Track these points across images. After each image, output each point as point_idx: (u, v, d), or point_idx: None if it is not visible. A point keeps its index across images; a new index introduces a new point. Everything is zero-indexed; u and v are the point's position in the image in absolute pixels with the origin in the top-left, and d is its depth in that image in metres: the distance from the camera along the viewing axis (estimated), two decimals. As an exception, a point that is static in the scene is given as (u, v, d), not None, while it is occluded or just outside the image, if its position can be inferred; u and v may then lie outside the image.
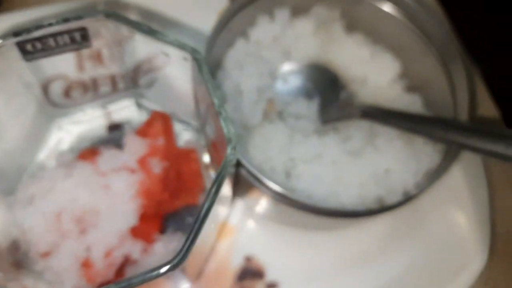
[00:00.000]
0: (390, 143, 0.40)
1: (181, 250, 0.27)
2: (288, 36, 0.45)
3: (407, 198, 0.36)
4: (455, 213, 0.41)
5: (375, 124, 0.41)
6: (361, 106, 0.42)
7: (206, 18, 0.45)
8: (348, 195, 0.38)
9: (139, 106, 0.42)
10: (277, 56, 0.45)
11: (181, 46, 0.31)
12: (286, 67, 0.45)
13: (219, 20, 0.41)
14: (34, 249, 0.35)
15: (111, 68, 0.39)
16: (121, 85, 0.41)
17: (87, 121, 0.42)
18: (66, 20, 0.31)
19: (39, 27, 0.31)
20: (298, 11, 0.45)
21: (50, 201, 0.35)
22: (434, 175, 0.36)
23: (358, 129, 0.42)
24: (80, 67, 0.38)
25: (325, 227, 0.41)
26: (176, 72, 0.37)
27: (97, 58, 0.38)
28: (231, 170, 0.29)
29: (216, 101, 0.29)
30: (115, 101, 0.42)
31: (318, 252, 0.41)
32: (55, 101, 0.40)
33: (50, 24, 0.31)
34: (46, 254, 0.35)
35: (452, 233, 0.40)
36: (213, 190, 0.29)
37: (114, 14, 0.32)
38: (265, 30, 0.45)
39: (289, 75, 0.45)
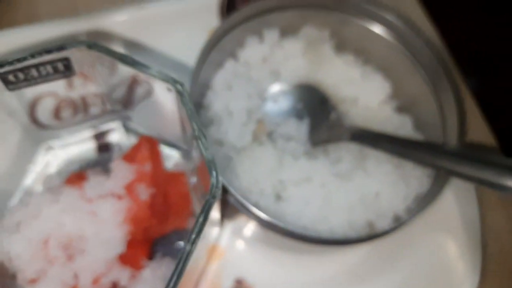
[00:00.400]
0: (380, 166, 0.40)
1: (169, 283, 0.27)
2: (277, 57, 0.45)
3: (398, 224, 0.36)
4: (446, 237, 0.41)
5: (364, 147, 0.40)
6: (351, 128, 0.42)
7: (196, 37, 0.45)
8: (338, 219, 0.38)
9: (127, 129, 0.42)
10: (266, 77, 0.45)
11: (163, 78, 0.31)
12: (276, 87, 0.45)
13: (208, 40, 0.41)
14: (21, 276, 0.34)
15: (99, 86, 0.39)
16: (109, 106, 0.41)
17: (75, 144, 0.42)
18: (48, 51, 0.31)
19: (21, 59, 0.30)
20: (287, 31, 0.45)
21: (36, 228, 0.35)
22: (426, 201, 0.36)
23: (348, 151, 0.41)
24: (70, 84, 0.38)
25: (315, 250, 0.41)
26: (163, 97, 0.36)
27: (87, 75, 0.38)
28: (218, 197, 0.29)
29: (197, 132, 0.29)
30: (104, 123, 0.42)
31: (308, 275, 0.41)
32: (44, 123, 0.40)
33: (32, 56, 0.31)
34: (33, 281, 0.34)
35: (443, 257, 0.40)
36: (201, 219, 0.29)
37: (96, 45, 0.31)
38: (254, 50, 0.45)
39: (279, 95, 0.45)
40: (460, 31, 0.54)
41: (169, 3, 0.50)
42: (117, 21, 0.47)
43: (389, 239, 0.37)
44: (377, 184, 0.39)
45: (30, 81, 0.33)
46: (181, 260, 0.27)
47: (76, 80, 0.38)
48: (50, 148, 0.41)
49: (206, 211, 0.28)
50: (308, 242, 0.35)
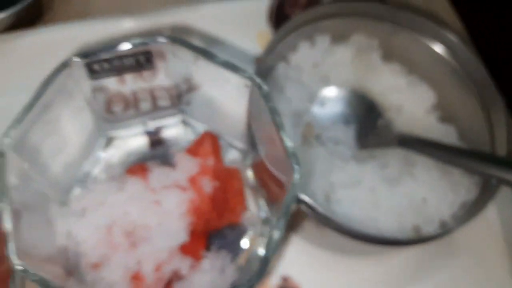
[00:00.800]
0: (427, 172, 0.41)
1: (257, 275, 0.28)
2: (327, 62, 0.47)
3: (446, 230, 0.37)
4: (487, 246, 0.42)
5: (412, 153, 0.42)
6: (399, 134, 0.43)
7: (244, 39, 0.49)
8: (386, 222, 0.39)
9: (184, 124, 0.43)
10: (316, 81, 0.46)
11: (244, 74, 0.33)
12: (324, 92, 0.47)
13: (266, 48, 0.42)
14: (85, 260, 0.36)
15: (153, 81, 0.40)
16: (161, 101, 0.42)
17: (134, 136, 0.43)
18: (135, 44, 0.32)
19: (108, 49, 0.32)
20: (338, 38, 0.47)
21: (102, 214, 0.36)
22: (474, 209, 0.38)
23: (395, 157, 0.43)
24: (121, 79, 0.39)
25: (360, 251, 0.42)
26: (225, 93, 0.38)
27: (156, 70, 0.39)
28: (297, 195, 0.30)
29: (279, 126, 0.30)
30: (159, 118, 0.43)
31: (352, 276, 0.42)
32: (102, 114, 0.41)
33: (119, 47, 0.32)
34: (96, 266, 0.35)
35: (486, 265, 0.42)
36: (282, 220, 0.30)
37: (180, 40, 0.33)
38: (306, 55, 0.46)
39: (327, 100, 0.47)
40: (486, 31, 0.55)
41: (220, 5, 0.52)
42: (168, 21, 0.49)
43: (435, 246, 0.39)
44: (425, 190, 0.41)
45: (112, 71, 0.34)
46: (267, 256, 0.28)
47: (127, 76, 0.39)
48: (112, 139, 0.42)
49: (287, 209, 0.29)
50: (359, 239, 0.36)
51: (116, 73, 0.35)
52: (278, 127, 0.31)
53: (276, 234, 0.29)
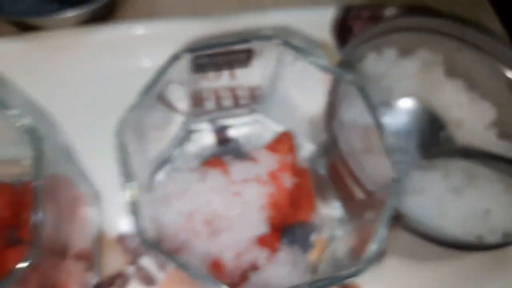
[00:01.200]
0: (490, 185, 0.43)
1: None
2: (392, 74, 0.48)
3: (510, 241, 0.38)
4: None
5: (474, 165, 0.43)
6: (463, 147, 0.45)
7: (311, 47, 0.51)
8: (451, 230, 0.41)
9: (258, 122, 0.45)
10: (380, 92, 0.48)
11: (346, 77, 0.34)
12: (388, 103, 0.48)
13: (341, 60, 0.44)
14: (166, 245, 0.37)
15: (239, 80, 0.41)
16: (241, 100, 0.43)
17: (207, 132, 0.44)
18: (246, 41, 0.34)
19: (216, 45, 0.33)
20: (404, 52, 0.49)
21: (185, 202, 0.37)
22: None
23: (456, 168, 0.44)
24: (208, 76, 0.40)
25: (419, 254, 0.43)
26: (306, 94, 0.40)
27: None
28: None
29: (379, 123, 0.32)
30: (234, 116, 0.45)
31: (410, 278, 0.43)
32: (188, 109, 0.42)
33: (226, 44, 0.34)
34: (177, 251, 0.37)
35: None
36: (386, 224, 0.31)
37: (287, 42, 0.34)
38: (372, 66, 0.48)
39: (390, 110, 0.48)
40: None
41: (286, 14, 0.54)
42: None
43: (492, 255, 0.40)
44: (488, 202, 0.42)
45: (213, 66, 0.36)
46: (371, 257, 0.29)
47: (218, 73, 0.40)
48: (190, 132, 0.44)
49: (390, 211, 0.30)
50: (432, 242, 0.38)
51: (215, 69, 0.36)
52: (379, 125, 0.32)
53: (383, 233, 0.30)
